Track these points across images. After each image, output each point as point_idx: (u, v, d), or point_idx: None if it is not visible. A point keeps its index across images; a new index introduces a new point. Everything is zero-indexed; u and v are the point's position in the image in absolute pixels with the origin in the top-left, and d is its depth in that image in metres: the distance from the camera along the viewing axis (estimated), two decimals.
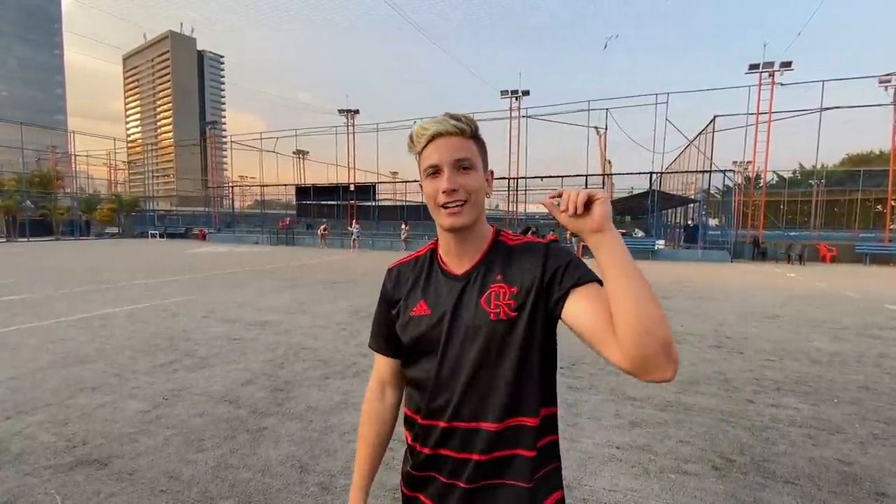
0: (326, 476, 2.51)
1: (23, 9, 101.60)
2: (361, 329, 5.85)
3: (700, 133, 22.44)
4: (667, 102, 20.85)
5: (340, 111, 30.37)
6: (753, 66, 20.23)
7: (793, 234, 26.04)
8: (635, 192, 24.35)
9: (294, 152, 33.47)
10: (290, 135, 31.71)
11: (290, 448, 2.81)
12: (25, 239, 27.63)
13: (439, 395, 0.89)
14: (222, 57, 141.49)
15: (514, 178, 24.65)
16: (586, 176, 22.34)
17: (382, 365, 1.05)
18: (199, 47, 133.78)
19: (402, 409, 1.02)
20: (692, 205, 22.74)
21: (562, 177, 23.80)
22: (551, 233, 20.68)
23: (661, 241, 20.50)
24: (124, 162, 50.37)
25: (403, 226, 23.55)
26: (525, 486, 0.85)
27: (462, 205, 0.86)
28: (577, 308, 0.80)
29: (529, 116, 24.40)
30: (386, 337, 1.03)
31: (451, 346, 0.89)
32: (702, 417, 3.27)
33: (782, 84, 19.94)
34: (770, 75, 19.92)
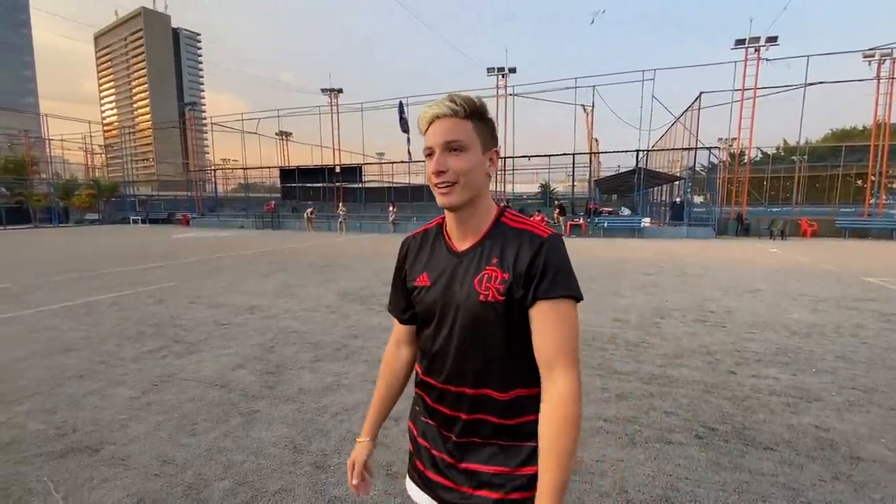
0: (320, 455, 2.54)
1: None
2: (350, 312, 5.86)
3: (686, 110, 22.48)
4: (653, 79, 20.77)
5: (323, 90, 29.69)
6: (739, 42, 20.20)
7: (775, 209, 26.55)
8: (622, 170, 24.43)
9: (277, 133, 32.74)
10: (273, 116, 30.97)
11: (283, 429, 2.83)
12: (2, 227, 26.84)
13: (436, 360, 1.00)
14: (199, 35, 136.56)
15: (500, 158, 24.54)
16: (573, 154, 22.31)
17: (398, 327, 1.14)
18: (174, 24, 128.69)
19: (416, 365, 1.12)
20: (678, 182, 22.92)
21: (549, 155, 23.76)
22: (538, 212, 20.71)
23: (647, 219, 20.70)
24: (101, 146, 48.84)
25: (391, 207, 23.38)
26: (502, 444, 0.94)
27: (451, 185, 0.90)
28: (536, 320, 0.88)
29: (516, 95, 24.12)
30: (399, 304, 1.11)
31: (444, 319, 0.96)
32: (686, 389, 3.37)
33: (768, 59, 19.99)
34: (756, 51, 19.93)
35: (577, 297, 0.88)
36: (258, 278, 8.61)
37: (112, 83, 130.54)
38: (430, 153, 0.91)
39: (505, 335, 0.91)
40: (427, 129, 0.92)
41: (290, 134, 33.77)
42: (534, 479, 0.88)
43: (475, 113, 0.91)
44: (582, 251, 13.37)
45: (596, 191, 26.73)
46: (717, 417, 2.93)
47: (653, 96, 20.98)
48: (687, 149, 21.22)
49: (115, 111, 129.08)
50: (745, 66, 20.05)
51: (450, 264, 0.97)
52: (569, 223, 20.01)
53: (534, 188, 32.88)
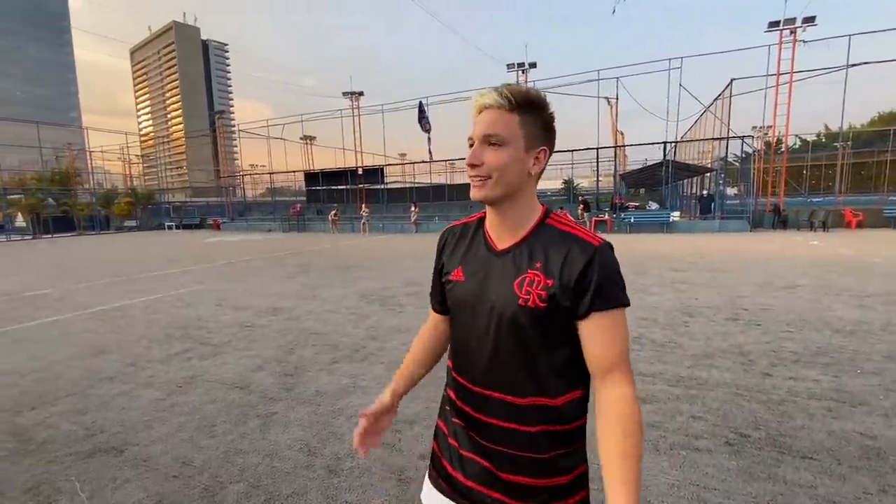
0: (333, 459, 2.52)
1: (31, 7, 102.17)
2: (370, 313, 5.87)
3: (716, 98, 21.63)
4: (680, 68, 20.06)
5: (345, 94, 30.10)
6: (773, 24, 19.27)
7: (816, 200, 25.18)
8: (649, 163, 23.75)
9: (301, 138, 33.40)
10: (297, 121, 31.60)
11: (299, 432, 2.84)
12: (49, 235, 28.40)
13: (466, 358, 0.97)
14: (226, 45, 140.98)
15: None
16: (597, 148, 21.81)
17: (434, 315, 1.16)
18: (203, 36, 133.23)
19: (447, 360, 1.09)
20: (709, 174, 22.09)
21: (572, 150, 23.31)
22: (560, 209, 20.38)
23: (677, 213, 20.06)
24: (138, 156, 50.98)
25: (413, 208, 23.46)
26: (541, 458, 0.89)
27: (484, 180, 0.87)
28: (591, 333, 0.85)
29: (539, 89, 23.81)
30: (437, 296, 1.11)
31: (478, 318, 0.93)
32: (715, 392, 3.20)
33: (804, 41, 18.98)
34: (791, 32, 18.97)
35: (627, 304, 0.87)
36: (283, 280, 8.77)
37: (147, 95, 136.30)
38: (470, 143, 0.89)
39: (537, 342, 0.87)
40: (476, 118, 0.89)
41: (314, 138, 34.43)
42: (557, 489, 0.88)
43: (525, 106, 0.86)
44: None
45: (622, 185, 26.09)
46: (749, 423, 2.76)
47: (680, 85, 20.31)
48: (718, 139, 20.42)
49: (150, 122, 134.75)
50: (780, 50, 19.13)
51: (487, 262, 0.93)
52: (593, 219, 19.59)
53: (557, 184, 32.39)
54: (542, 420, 0.89)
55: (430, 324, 1.16)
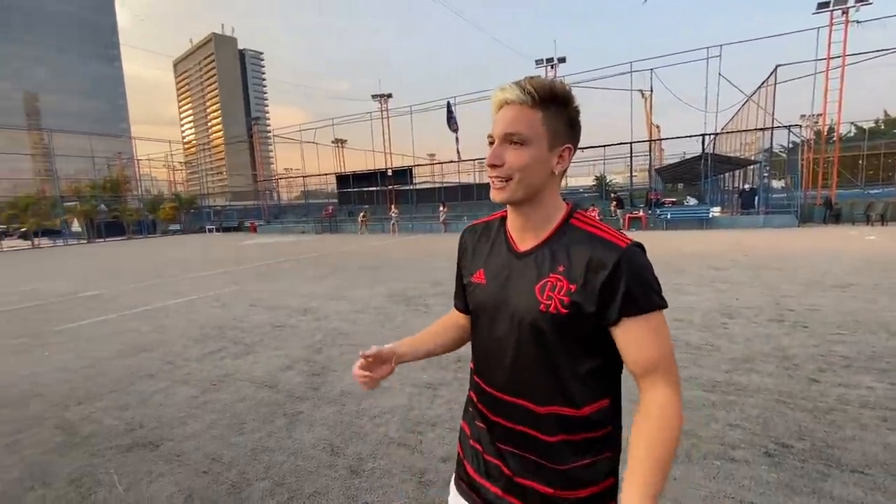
0: (356, 459, 2.54)
1: (83, 26, 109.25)
2: (397, 313, 5.91)
3: (760, 87, 20.53)
4: (720, 56, 19.16)
5: (374, 96, 30.50)
6: (823, 5, 18.13)
7: (874, 191, 23.47)
8: (687, 156, 22.84)
9: (333, 141, 34.11)
10: (328, 124, 32.29)
11: (323, 431, 2.87)
12: (102, 240, 30.22)
13: (489, 363, 0.94)
14: (261, 53, 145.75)
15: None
16: (631, 143, 21.15)
17: (458, 312, 1.13)
18: (240, 46, 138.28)
19: (470, 363, 1.06)
20: (752, 167, 21.02)
21: (604, 146, 22.71)
22: (592, 206, 19.88)
23: (717, 209, 19.17)
24: (181, 162, 53.47)
25: (441, 207, 23.50)
26: (561, 468, 0.85)
27: (505, 181, 0.83)
28: (625, 339, 0.81)
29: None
30: (460, 296, 1.09)
31: (499, 323, 0.90)
32: (755, 399, 3.02)
33: (858, 21, 17.74)
34: (843, 13, 17.77)
35: (664, 307, 0.82)
36: (314, 281, 8.96)
37: (189, 104, 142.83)
38: (491, 142, 0.84)
39: (559, 348, 0.83)
40: (496, 114, 0.84)
41: (345, 141, 35.07)
42: (577, 502, 0.85)
43: (549, 101, 0.81)
44: None
45: (657, 180, 25.21)
46: (792, 432, 2.59)
47: (720, 75, 19.40)
48: (762, 129, 19.38)
49: (192, 130, 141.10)
50: (830, 32, 17.96)
51: (509, 264, 0.90)
52: (627, 216, 19.02)
53: (589, 181, 31.65)
54: (562, 429, 0.85)
55: (453, 316, 1.14)
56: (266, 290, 8.21)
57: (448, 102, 25.28)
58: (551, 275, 0.83)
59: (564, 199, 0.91)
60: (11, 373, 4.32)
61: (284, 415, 3.15)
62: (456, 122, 25.14)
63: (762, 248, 10.92)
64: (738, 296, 5.98)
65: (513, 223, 0.92)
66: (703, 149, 19.15)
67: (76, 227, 31.66)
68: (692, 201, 21.31)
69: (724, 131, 24.81)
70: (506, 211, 0.97)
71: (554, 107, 0.81)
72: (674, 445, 0.76)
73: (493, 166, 0.83)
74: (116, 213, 34.65)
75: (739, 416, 2.79)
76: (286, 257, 14.00)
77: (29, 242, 28.59)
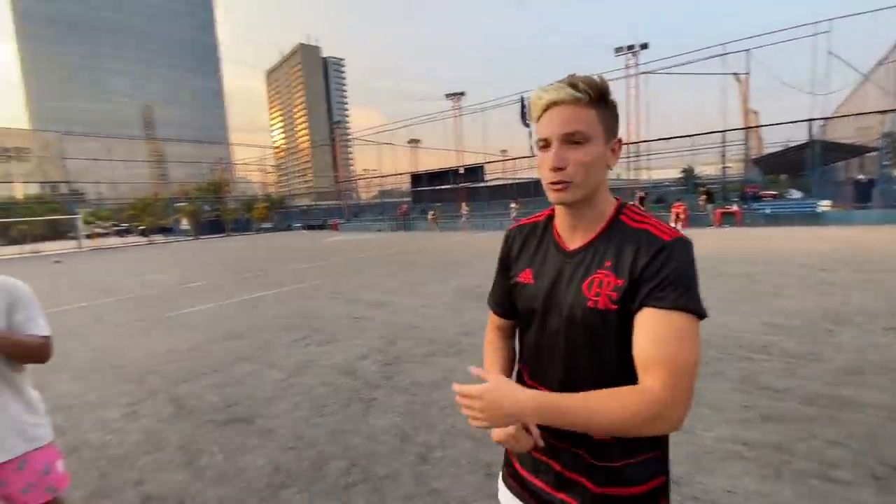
0: (425, 447, 2.64)
1: (189, 45, 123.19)
2: (466, 309, 5.99)
3: (879, 64, 17.75)
4: (829, 32, 16.84)
5: (447, 95, 30.92)
6: None
7: None
8: (790, 144, 20.41)
9: (408, 142, 35.13)
10: (404, 126, 33.32)
11: (395, 419, 3.02)
12: (205, 236, 33.88)
13: (541, 364, 0.93)
14: (342, 60, 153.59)
15: (632, 143, 22.55)
16: (723, 131, 19.35)
17: (496, 319, 1.10)
18: (324, 54, 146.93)
19: (517, 364, 1.05)
20: (870, 154, 18.26)
21: (691, 135, 21.00)
22: (678, 200, 18.48)
23: (826, 202, 16.90)
24: (272, 166, 58.18)
25: (513, 204, 23.24)
26: (612, 466, 0.85)
27: (568, 183, 0.82)
28: (639, 326, 0.78)
29: (650, 72, 21.92)
30: (499, 298, 1.07)
31: (548, 323, 0.90)
32: (864, 415, 2.67)
33: None
34: None
35: (698, 313, 0.76)
36: (388, 276, 9.35)
37: (279, 111, 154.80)
38: (545, 144, 0.83)
39: (615, 347, 0.82)
40: (541, 117, 0.83)
41: (419, 141, 35.95)
42: (627, 500, 0.84)
43: (600, 98, 0.81)
44: (733, 243, 11.55)
45: (755, 171, 22.83)
46: None
47: (830, 53, 17.06)
48: (883, 112, 16.75)
49: (282, 135, 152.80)
50: None
51: (557, 263, 0.90)
52: (718, 211, 17.46)
53: (675, 173, 29.46)
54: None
55: (494, 332, 1.10)
56: (346, 283, 8.72)
57: (522, 97, 24.93)
58: (599, 271, 0.83)
59: (615, 196, 0.90)
60: (133, 351, 5.03)
61: (360, 400, 3.35)
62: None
63: (879, 248, 9.48)
64: (849, 300, 5.27)
65: (563, 222, 0.92)
66: (810, 136, 17.01)
67: (184, 225, 35.78)
68: (796, 194, 19.02)
69: (834, 115, 21.81)
70: (552, 210, 0.97)
71: (604, 102, 0.82)
72: (608, 417, 0.72)
73: (557, 169, 0.82)
74: (217, 212, 38.61)
75: (842, 433, 2.49)
76: (364, 254, 14.73)
77: (146, 239, 32.86)
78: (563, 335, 0.86)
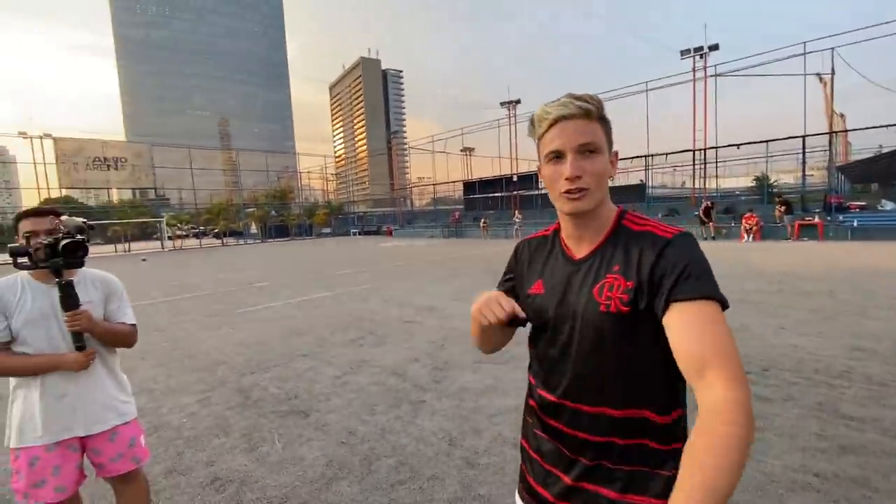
0: (471, 452, 2.67)
1: (260, 61, 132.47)
2: None
3: None
4: None
5: (502, 103, 30.89)
6: None
7: None
8: (884, 150, 18.38)
9: (461, 150, 35.45)
10: (458, 134, 33.69)
11: (443, 422, 3.08)
12: (272, 240, 36.03)
13: (552, 372, 0.94)
14: (401, 72, 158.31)
15: (700, 150, 21.30)
16: (803, 136, 17.79)
17: None
18: (384, 67, 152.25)
19: (528, 375, 1.06)
20: None
21: (767, 141, 19.49)
22: (750, 211, 17.20)
23: None
24: (333, 174, 60.85)
25: (517, 214, 22.70)
26: (627, 471, 0.84)
27: (584, 191, 0.85)
28: (671, 328, 0.77)
29: (719, 74, 20.67)
30: None
31: (560, 331, 0.91)
32: None
33: None
34: None
35: (721, 301, 0.76)
36: (439, 282, 9.48)
37: (341, 122, 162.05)
38: (557, 156, 0.86)
39: (628, 349, 0.83)
40: (547, 131, 0.87)
41: (473, 149, 36.15)
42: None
43: (602, 114, 0.87)
44: (813, 258, 10.57)
45: (842, 180, 20.77)
46: None
47: None
48: None
49: (342, 145, 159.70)
50: None
51: (566, 272, 0.93)
52: (796, 223, 16.06)
53: (747, 181, 27.43)
54: (631, 435, 0.84)
55: None
56: (398, 287, 8.95)
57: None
58: (608, 275, 0.85)
59: (616, 204, 0.94)
60: (206, 343, 5.47)
61: (410, 402, 3.45)
62: None
63: None
64: None
65: (571, 232, 0.94)
66: None
67: (253, 229, 38.28)
68: (889, 206, 17.08)
69: None
70: (558, 224, 1.00)
71: (604, 118, 0.87)
72: (731, 458, 0.63)
73: (575, 178, 0.84)
74: (283, 217, 40.94)
75: None
76: (416, 259, 15.02)
77: (220, 241, 35.45)
78: (575, 341, 0.87)
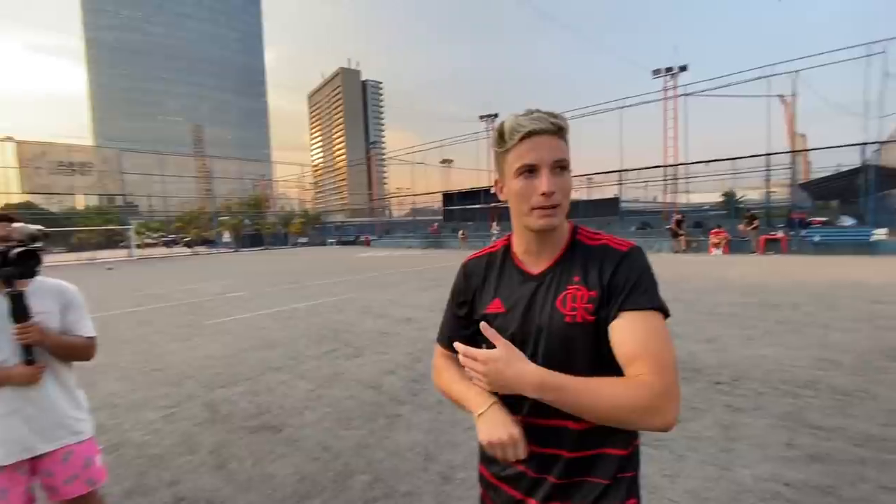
0: (447, 467, 2.63)
1: (237, 68, 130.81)
2: None
3: None
4: (884, 53, 16.14)
5: (481, 117, 31.31)
6: None
7: None
8: (842, 169, 19.42)
9: (441, 162, 35.68)
10: (437, 146, 33.90)
11: (419, 436, 3.02)
12: (246, 249, 35.19)
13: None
14: (381, 83, 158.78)
15: (672, 166, 22.00)
16: (767, 155, 18.63)
17: (443, 351, 1.08)
18: (363, 77, 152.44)
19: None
20: None
21: (733, 158, 20.31)
22: (718, 226, 17.82)
23: (883, 230, 15.86)
24: (310, 183, 60.11)
25: (494, 225, 23.00)
26: (605, 483, 0.86)
27: (556, 207, 0.85)
28: (617, 330, 0.81)
29: (689, 94, 21.51)
30: (450, 331, 1.06)
31: (525, 346, 0.88)
32: None
33: None
34: None
35: (664, 311, 0.83)
36: (417, 292, 9.42)
37: (319, 132, 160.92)
38: (530, 170, 0.83)
39: (593, 359, 0.84)
40: (517, 144, 0.84)
41: (452, 161, 36.44)
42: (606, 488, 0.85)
43: (565, 131, 0.87)
44: (778, 271, 10.99)
45: (803, 197, 21.79)
46: None
47: (886, 74, 16.30)
48: None
49: (320, 154, 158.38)
50: None
51: (526, 288, 0.91)
52: (762, 238, 16.70)
53: (714, 197, 28.44)
54: (595, 445, 0.86)
55: (448, 360, 1.04)
56: (375, 298, 8.84)
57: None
58: (569, 287, 0.86)
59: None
60: (173, 356, 5.26)
61: (386, 416, 3.37)
62: None
63: None
64: None
65: (528, 248, 0.93)
66: (864, 160, 16.15)
67: (226, 237, 37.33)
68: (848, 221, 17.97)
69: (891, 140, 20.65)
70: (507, 239, 0.99)
71: (566, 136, 0.87)
72: (612, 407, 0.74)
73: (550, 194, 0.83)
74: (258, 226, 40.12)
75: None
76: (394, 270, 14.91)
77: (190, 250, 34.44)
78: (541, 355, 0.86)
